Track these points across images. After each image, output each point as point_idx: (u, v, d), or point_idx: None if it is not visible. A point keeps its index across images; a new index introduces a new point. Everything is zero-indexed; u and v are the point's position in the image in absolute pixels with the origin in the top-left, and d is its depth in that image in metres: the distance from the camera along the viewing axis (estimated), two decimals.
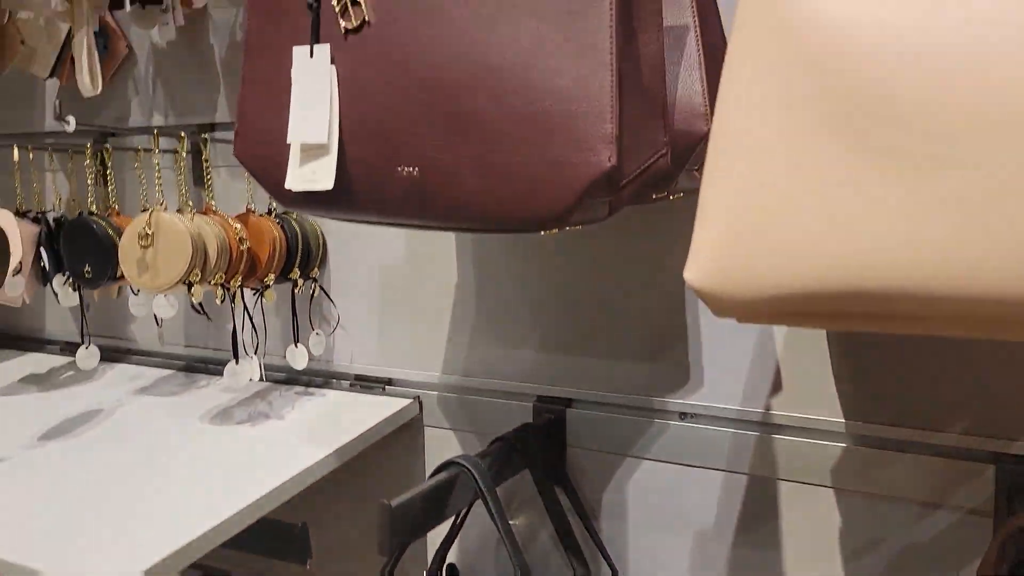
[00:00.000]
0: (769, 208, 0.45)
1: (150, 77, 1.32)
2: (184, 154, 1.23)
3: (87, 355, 1.15)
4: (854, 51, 0.44)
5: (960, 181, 0.41)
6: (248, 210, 1.12)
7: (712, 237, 0.47)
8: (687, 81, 0.77)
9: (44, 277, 1.27)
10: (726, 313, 0.48)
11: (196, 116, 1.28)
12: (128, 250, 0.99)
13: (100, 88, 1.09)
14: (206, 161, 1.15)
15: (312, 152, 0.73)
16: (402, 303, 1.16)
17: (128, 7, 1.11)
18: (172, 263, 0.97)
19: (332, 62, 0.72)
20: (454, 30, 0.67)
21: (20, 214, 1.27)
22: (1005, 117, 0.40)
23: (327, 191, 0.73)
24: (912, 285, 0.42)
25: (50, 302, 1.52)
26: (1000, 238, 0.40)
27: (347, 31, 0.71)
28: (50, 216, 1.27)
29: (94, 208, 1.16)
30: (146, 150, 1.24)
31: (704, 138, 0.77)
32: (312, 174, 0.73)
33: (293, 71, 0.73)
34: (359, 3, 0.70)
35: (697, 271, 0.48)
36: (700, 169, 0.85)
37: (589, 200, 0.66)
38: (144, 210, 1.20)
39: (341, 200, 0.74)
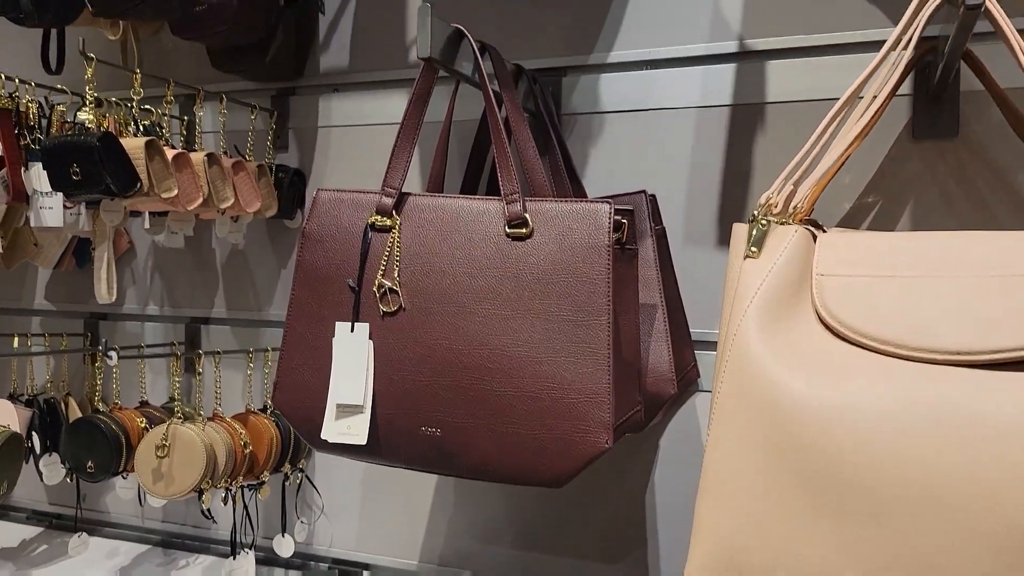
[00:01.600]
0: (747, 540, 0.60)
1: (148, 269, 1.42)
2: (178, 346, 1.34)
3: (79, 543, 1.21)
4: (819, 429, 0.60)
5: (896, 538, 0.57)
6: (247, 409, 1.23)
7: (703, 551, 0.62)
8: (657, 351, 0.94)
9: (27, 454, 1.33)
10: None
11: (192, 309, 1.38)
12: (144, 459, 1.08)
13: (115, 297, 1.20)
14: (217, 358, 1.25)
15: (348, 410, 0.86)
16: (382, 491, 1.27)
17: (147, 222, 1.23)
18: (186, 473, 1.06)
19: (370, 337, 0.86)
20: (475, 323, 0.82)
21: (13, 397, 1.34)
22: (932, 493, 0.57)
23: (360, 444, 0.85)
24: None
25: None
26: None
27: (384, 313, 0.86)
28: (41, 399, 1.34)
29: (98, 400, 1.24)
30: (147, 347, 1.33)
31: (671, 398, 0.94)
32: (347, 428, 0.86)
33: (335, 341, 0.87)
34: (396, 292, 0.85)
35: (692, 572, 0.63)
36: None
37: (586, 468, 0.81)
38: (143, 401, 1.30)
39: (371, 451, 0.87)
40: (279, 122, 1.29)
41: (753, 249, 0.67)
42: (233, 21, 1.09)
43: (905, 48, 0.73)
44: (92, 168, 0.92)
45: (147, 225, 1.22)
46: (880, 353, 0.62)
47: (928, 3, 0.70)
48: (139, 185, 0.97)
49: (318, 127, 1.29)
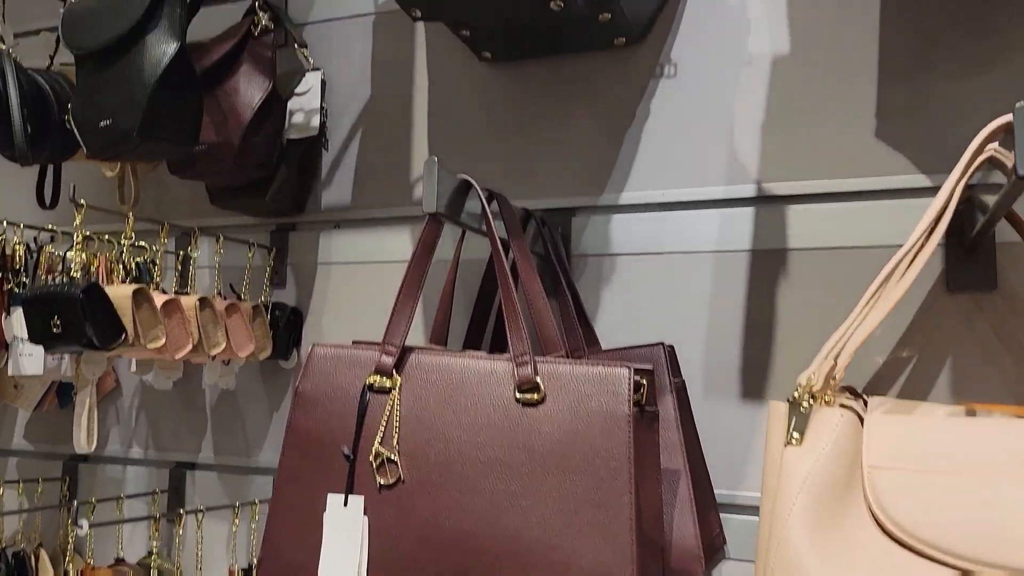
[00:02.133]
0: None
1: (134, 409, 1.35)
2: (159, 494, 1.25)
3: None
4: None
5: None
6: (230, 572, 1.13)
7: None
8: (681, 523, 0.86)
9: None
10: None
11: (178, 452, 1.30)
12: None
13: (95, 446, 1.12)
14: (199, 515, 1.16)
15: None
16: None
17: (134, 366, 1.16)
18: None
19: (365, 512, 0.78)
20: (482, 500, 0.74)
21: None
22: None
23: None
24: None
25: None
26: None
27: (382, 486, 0.78)
28: (9, 552, 1.24)
29: (70, 555, 1.14)
30: (127, 497, 1.24)
31: None
32: None
33: (326, 516, 0.78)
34: (395, 462, 0.78)
35: None
36: None
37: None
38: (119, 559, 1.20)
39: None
40: (277, 258, 1.24)
41: (796, 436, 0.60)
42: (234, 162, 1.06)
43: (947, 204, 0.68)
44: (74, 319, 0.87)
45: (133, 368, 1.16)
46: (939, 563, 0.55)
47: (973, 163, 0.66)
48: (123, 336, 0.91)
49: (318, 263, 1.24)
